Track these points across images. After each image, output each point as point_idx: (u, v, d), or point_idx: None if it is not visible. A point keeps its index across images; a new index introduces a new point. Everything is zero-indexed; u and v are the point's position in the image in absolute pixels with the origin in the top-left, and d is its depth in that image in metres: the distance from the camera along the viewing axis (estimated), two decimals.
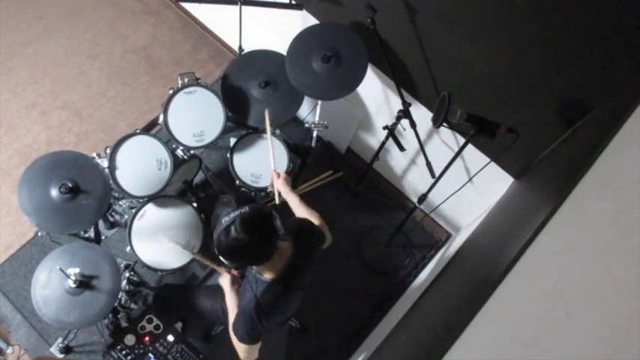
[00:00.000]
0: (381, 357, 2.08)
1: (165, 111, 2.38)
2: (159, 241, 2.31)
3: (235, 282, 1.99)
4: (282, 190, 2.10)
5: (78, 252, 2.07)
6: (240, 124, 2.82)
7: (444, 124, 1.98)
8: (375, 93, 2.76)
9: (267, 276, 1.67)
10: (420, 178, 3.05)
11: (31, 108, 3.29)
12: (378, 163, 2.87)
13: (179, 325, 2.47)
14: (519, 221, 1.82)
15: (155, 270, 2.30)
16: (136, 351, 2.12)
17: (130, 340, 2.13)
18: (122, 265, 2.59)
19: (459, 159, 2.14)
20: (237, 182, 2.51)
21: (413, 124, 2.30)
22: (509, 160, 2.35)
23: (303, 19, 2.69)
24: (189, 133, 2.40)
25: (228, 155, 2.54)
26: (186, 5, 3.69)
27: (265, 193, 2.55)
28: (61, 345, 2.59)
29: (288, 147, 2.57)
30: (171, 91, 2.40)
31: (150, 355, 2.12)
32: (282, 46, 2.45)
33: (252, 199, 1.62)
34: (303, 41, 2.37)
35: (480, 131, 1.95)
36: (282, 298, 1.74)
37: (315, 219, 1.94)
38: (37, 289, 1.99)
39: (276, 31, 2.99)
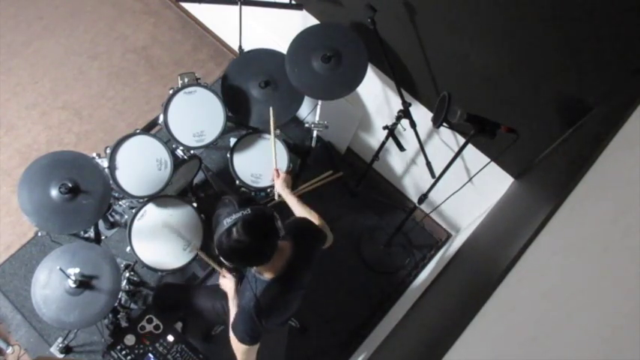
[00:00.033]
0: (381, 357, 2.08)
1: (165, 111, 2.38)
2: (160, 238, 2.32)
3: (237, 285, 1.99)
4: (281, 192, 2.10)
5: (78, 252, 2.07)
6: (240, 124, 2.82)
7: (444, 124, 1.98)
8: (375, 93, 2.76)
9: (267, 275, 1.67)
10: (420, 178, 3.05)
11: (31, 108, 3.29)
12: (378, 163, 2.87)
13: (179, 325, 2.47)
14: (519, 221, 1.82)
15: (155, 270, 2.30)
16: (136, 351, 2.12)
17: (129, 340, 2.13)
18: (122, 265, 2.59)
19: (459, 159, 2.14)
20: (237, 182, 2.51)
21: (413, 124, 2.30)
22: (509, 160, 2.35)
23: (303, 19, 2.69)
24: (189, 133, 2.40)
25: (228, 155, 2.54)
26: (186, 5, 3.69)
27: (265, 194, 2.55)
28: (61, 345, 2.59)
29: (288, 147, 2.57)
30: (171, 91, 2.40)
31: (150, 355, 2.12)
32: (282, 46, 2.45)
33: (254, 200, 1.62)
34: (303, 41, 2.37)
35: (480, 131, 1.95)
36: (282, 297, 1.74)
37: (314, 220, 1.94)
38: (37, 289, 1.99)
39: (276, 31, 2.99)
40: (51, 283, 2.00)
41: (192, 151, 2.49)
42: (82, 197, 2.03)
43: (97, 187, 2.07)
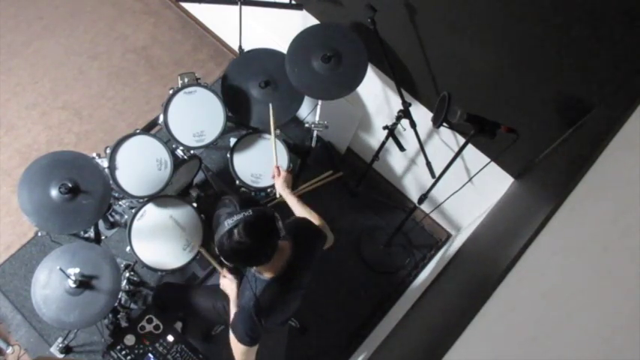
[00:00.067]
0: (381, 357, 2.08)
1: (165, 111, 2.38)
2: (160, 238, 2.32)
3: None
4: (281, 192, 2.10)
5: (78, 252, 2.07)
6: (240, 124, 2.82)
7: (444, 124, 1.98)
8: (375, 93, 2.76)
9: (267, 275, 1.67)
10: (420, 178, 3.05)
11: (31, 108, 3.29)
12: (378, 163, 2.87)
13: (179, 325, 2.47)
14: (519, 221, 1.82)
15: (155, 270, 2.30)
16: (136, 351, 2.12)
17: (129, 340, 2.13)
18: (122, 265, 2.59)
19: (459, 159, 2.14)
20: (237, 182, 2.51)
21: (413, 124, 2.30)
22: (509, 160, 2.35)
23: (303, 19, 2.69)
24: (189, 133, 2.40)
25: (228, 155, 2.54)
26: (186, 5, 3.69)
27: (265, 194, 2.55)
28: (61, 345, 2.59)
29: (288, 147, 2.57)
30: (171, 91, 2.40)
31: (150, 355, 2.12)
32: (282, 46, 2.45)
33: (256, 200, 1.61)
34: (303, 41, 2.37)
35: (480, 131, 1.96)
36: (282, 297, 1.74)
37: (315, 220, 1.94)
38: (37, 289, 1.99)
39: (276, 31, 2.99)
40: (51, 283, 2.00)
41: (192, 151, 2.49)
42: (82, 197, 2.03)
43: (97, 187, 2.07)
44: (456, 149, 2.12)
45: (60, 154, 2.10)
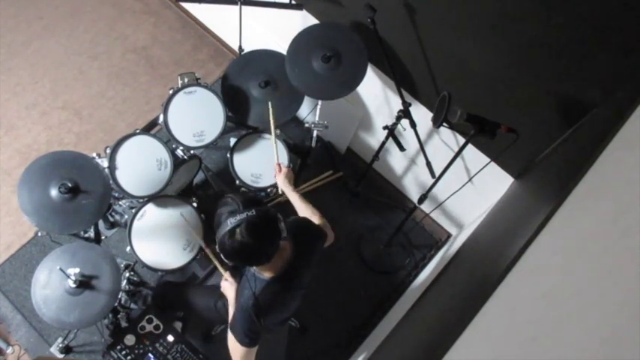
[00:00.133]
0: (381, 357, 2.08)
1: (165, 111, 2.38)
2: (160, 238, 2.32)
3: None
4: (283, 188, 2.10)
5: (78, 252, 2.07)
6: (240, 124, 2.82)
7: (444, 124, 1.98)
8: (375, 93, 2.76)
9: (267, 274, 1.67)
10: (420, 178, 3.05)
11: (31, 108, 3.29)
12: (378, 163, 2.87)
13: (179, 325, 2.47)
14: (519, 221, 1.82)
15: (155, 270, 2.30)
16: (136, 351, 2.12)
17: (129, 340, 2.13)
18: (122, 265, 2.59)
19: (459, 159, 2.14)
20: (237, 182, 2.51)
21: (413, 124, 2.30)
22: (509, 160, 2.35)
23: (303, 19, 2.69)
24: (189, 133, 2.40)
25: (228, 155, 2.54)
26: (186, 5, 3.69)
27: (266, 194, 2.55)
28: (61, 345, 2.60)
29: (288, 147, 2.57)
30: (171, 91, 2.40)
31: (150, 355, 2.12)
32: (282, 46, 2.45)
33: (259, 200, 1.60)
34: (303, 41, 2.37)
35: (480, 131, 1.95)
36: (281, 296, 1.74)
37: (316, 217, 1.94)
38: (37, 289, 1.99)
39: (276, 31, 2.99)
40: (51, 283, 2.00)
41: (192, 151, 2.49)
42: (82, 197, 2.03)
43: (97, 187, 2.07)
44: (456, 149, 2.12)
45: (60, 154, 2.10)
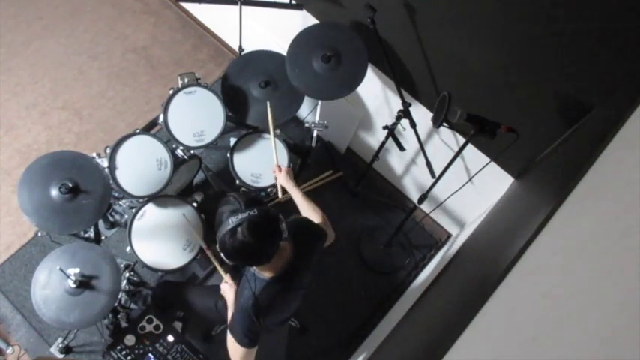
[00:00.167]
0: (381, 357, 2.08)
1: (165, 111, 2.38)
2: (160, 238, 2.31)
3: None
4: (285, 185, 2.09)
5: (78, 252, 2.07)
6: (240, 124, 2.82)
7: (444, 124, 1.98)
8: (375, 93, 2.76)
9: (267, 274, 1.67)
10: (420, 178, 3.05)
11: (31, 108, 3.29)
12: (378, 163, 2.87)
13: (179, 325, 2.47)
14: (519, 221, 1.82)
15: (155, 270, 2.30)
16: (136, 351, 2.12)
17: (129, 340, 2.13)
18: (122, 265, 2.59)
19: (459, 159, 2.14)
20: (237, 182, 2.51)
21: (413, 124, 2.30)
22: (509, 160, 2.35)
23: (303, 19, 2.69)
24: (189, 133, 2.40)
25: (228, 155, 2.54)
26: (186, 5, 3.70)
27: (266, 194, 2.55)
28: (61, 345, 2.60)
29: (288, 147, 2.57)
30: (171, 91, 2.40)
31: (150, 355, 2.12)
32: (282, 46, 2.45)
33: (260, 200, 1.60)
34: (303, 41, 2.37)
35: (480, 131, 1.96)
36: (281, 296, 1.74)
37: (318, 215, 1.93)
38: (37, 289, 1.99)
39: (276, 31, 2.99)
40: (51, 283, 2.00)
41: (192, 151, 2.49)
42: (82, 197, 2.03)
43: (97, 187, 2.07)
44: (456, 149, 2.12)
45: (60, 154, 2.11)
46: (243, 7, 2.47)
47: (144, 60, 3.56)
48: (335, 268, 3.01)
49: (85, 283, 2.00)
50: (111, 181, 2.18)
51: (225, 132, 2.44)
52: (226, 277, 1.96)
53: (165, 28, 3.71)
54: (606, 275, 0.91)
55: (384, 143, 2.70)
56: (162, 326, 2.17)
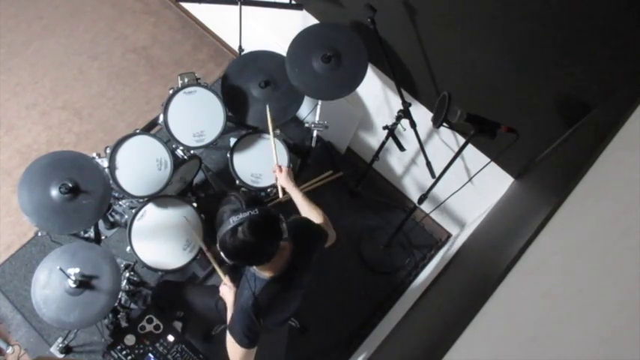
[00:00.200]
0: (381, 357, 2.08)
1: (165, 111, 2.38)
2: (160, 238, 2.31)
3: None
4: (285, 185, 2.09)
5: (78, 252, 2.07)
6: (240, 124, 2.82)
7: (444, 124, 1.98)
8: (375, 93, 2.76)
9: (267, 274, 1.67)
10: (420, 178, 3.05)
11: (31, 108, 3.29)
12: (378, 163, 2.87)
13: (179, 325, 2.47)
14: (519, 221, 1.82)
15: (155, 270, 2.30)
16: (136, 351, 2.12)
17: (130, 340, 2.13)
18: (122, 265, 2.59)
19: (459, 159, 2.14)
20: (237, 182, 2.51)
21: (413, 124, 2.30)
22: (509, 160, 2.35)
23: (303, 19, 2.69)
24: (189, 133, 2.40)
25: (228, 155, 2.54)
26: (186, 5, 3.69)
27: (266, 194, 2.55)
28: (61, 345, 2.60)
29: (288, 147, 2.57)
30: (171, 91, 2.40)
31: (150, 355, 2.12)
32: (282, 46, 2.45)
33: (261, 200, 1.60)
34: (303, 41, 2.37)
35: (480, 131, 1.96)
36: (281, 296, 1.74)
37: (318, 215, 1.93)
38: (37, 289, 1.99)
39: (276, 31, 2.99)
40: (51, 283, 2.00)
41: (192, 151, 2.49)
42: (82, 197, 2.03)
43: (97, 187, 2.07)
44: (456, 149, 2.12)
45: (60, 154, 2.11)
46: (243, 7, 2.47)
47: (144, 60, 3.56)
48: (335, 268, 3.01)
49: (85, 283, 1.99)
50: (111, 181, 2.18)
51: (225, 132, 2.44)
52: (225, 280, 1.96)
53: (165, 28, 3.71)
54: (606, 275, 0.91)
55: (384, 143, 2.70)
56: (162, 326, 2.17)
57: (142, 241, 2.29)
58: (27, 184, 1.99)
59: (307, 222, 1.88)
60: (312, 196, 2.10)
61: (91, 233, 2.50)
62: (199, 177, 2.94)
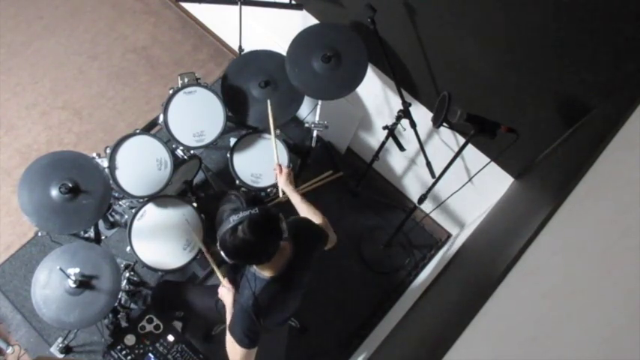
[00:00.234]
0: (381, 357, 2.08)
1: (165, 111, 2.38)
2: (160, 238, 2.31)
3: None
4: (285, 189, 2.09)
5: (78, 252, 2.07)
6: (240, 124, 2.82)
7: (444, 124, 1.98)
8: (375, 93, 2.76)
9: (267, 274, 1.67)
10: (420, 178, 3.05)
11: (31, 108, 3.29)
12: (378, 163, 2.87)
13: (179, 325, 2.47)
14: (519, 221, 1.82)
15: (155, 270, 2.30)
16: (136, 351, 2.12)
17: (130, 340, 2.13)
18: (122, 265, 2.59)
19: (459, 159, 2.14)
20: (237, 182, 2.51)
21: (413, 124, 2.30)
22: (509, 160, 2.35)
23: (303, 19, 2.69)
24: (189, 133, 2.40)
25: (228, 155, 2.54)
26: (186, 5, 3.69)
27: (266, 194, 2.55)
28: (61, 345, 2.60)
29: (288, 147, 2.57)
30: (171, 91, 2.40)
31: (150, 355, 2.12)
32: (282, 46, 2.45)
33: (262, 199, 1.60)
34: (303, 41, 2.37)
35: (480, 131, 1.96)
36: (281, 296, 1.74)
37: (318, 218, 1.93)
38: (37, 289, 1.99)
39: (276, 31, 2.99)
40: (51, 283, 2.00)
41: (192, 151, 2.49)
42: (82, 197, 2.03)
43: (97, 187, 2.07)
44: (456, 149, 2.12)
45: (60, 154, 2.11)
46: (243, 7, 2.47)
47: (144, 60, 3.56)
48: (335, 268, 3.01)
49: (85, 283, 2.00)
50: (111, 181, 2.18)
51: (225, 132, 2.44)
52: (224, 281, 1.96)
53: (165, 28, 3.71)
54: (606, 275, 0.91)
55: (384, 143, 2.70)
56: (162, 326, 2.17)
57: (142, 241, 2.29)
58: (27, 184, 1.99)
59: (308, 222, 1.88)
60: (312, 196, 2.11)
61: (91, 233, 2.50)
62: (199, 177, 2.94)
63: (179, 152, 2.47)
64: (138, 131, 2.34)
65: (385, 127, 2.55)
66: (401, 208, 3.22)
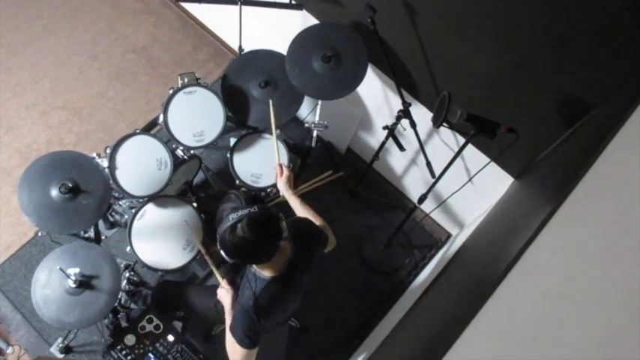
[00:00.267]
0: (382, 357, 2.08)
1: (165, 111, 2.38)
2: (160, 238, 2.31)
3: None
4: (284, 192, 2.09)
5: (78, 252, 2.07)
6: (240, 124, 2.82)
7: (444, 124, 1.98)
8: (375, 93, 2.76)
9: (267, 274, 1.67)
10: (420, 178, 3.05)
11: (31, 108, 3.29)
12: (378, 163, 2.87)
13: (179, 325, 2.47)
14: (519, 221, 1.82)
15: (155, 270, 2.30)
16: (136, 351, 2.12)
17: (130, 340, 2.13)
18: (122, 265, 2.59)
19: (459, 159, 2.14)
20: (237, 182, 2.51)
21: (413, 124, 2.30)
22: (509, 160, 2.35)
23: (303, 19, 2.69)
24: (189, 133, 2.40)
25: (228, 155, 2.54)
26: (186, 5, 3.70)
27: (266, 194, 2.55)
28: (61, 345, 2.59)
29: (288, 147, 2.57)
30: (171, 91, 2.40)
31: (150, 355, 2.12)
32: (282, 46, 2.45)
33: (262, 199, 1.61)
34: (303, 41, 2.37)
35: (480, 131, 1.96)
36: (281, 296, 1.74)
37: (318, 221, 1.93)
38: (37, 289, 1.99)
39: (276, 31, 2.99)
40: (51, 283, 2.00)
41: (192, 151, 2.49)
42: (82, 197, 2.03)
43: (97, 187, 2.07)
44: (456, 149, 2.12)
45: (60, 154, 2.11)
46: (243, 7, 2.47)
47: (144, 60, 3.56)
48: (335, 268, 3.01)
49: (85, 283, 2.00)
50: (111, 181, 2.18)
51: (225, 132, 2.44)
52: (223, 283, 1.96)
53: (165, 28, 3.71)
54: (606, 275, 0.91)
55: (384, 143, 2.70)
56: (162, 326, 2.17)
57: (142, 241, 2.29)
58: (27, 184, 1.99)
59: (308, 222, 1.88)
60: (311, 196, 2.11)
61: (91, 233, 2.50)
62: (199, 177, 2.93)
63: (179, 152, 2.47)
64: (138, 131, 2.34)
65: (385, 127, 2.55)
66: (401, 208, 3.22)
